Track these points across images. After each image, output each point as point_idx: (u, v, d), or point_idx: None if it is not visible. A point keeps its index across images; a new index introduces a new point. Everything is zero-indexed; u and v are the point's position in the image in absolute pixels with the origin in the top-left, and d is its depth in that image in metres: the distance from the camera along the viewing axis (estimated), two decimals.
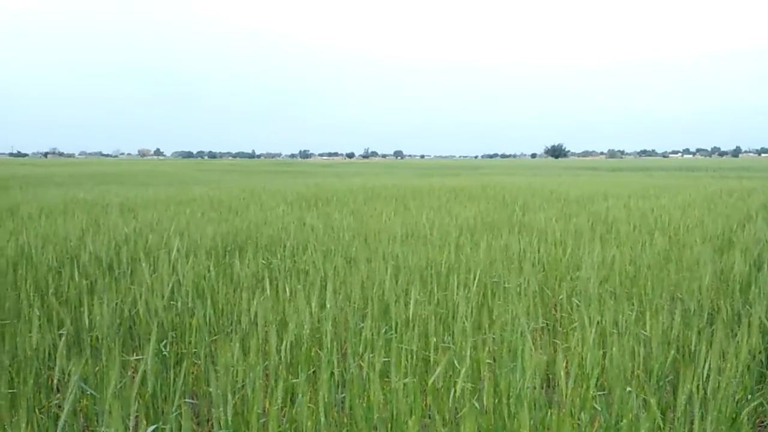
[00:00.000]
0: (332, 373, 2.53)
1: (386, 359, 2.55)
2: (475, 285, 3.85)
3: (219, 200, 11.28)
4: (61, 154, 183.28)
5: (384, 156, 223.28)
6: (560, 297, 4.25)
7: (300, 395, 2.34)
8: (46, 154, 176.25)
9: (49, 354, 2.82)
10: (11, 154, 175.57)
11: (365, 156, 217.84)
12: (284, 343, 2.59)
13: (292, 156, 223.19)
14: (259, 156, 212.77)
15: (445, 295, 3.80)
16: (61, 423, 1.91)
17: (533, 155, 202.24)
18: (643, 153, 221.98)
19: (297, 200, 11.66)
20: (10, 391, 2.29)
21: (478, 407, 2.41)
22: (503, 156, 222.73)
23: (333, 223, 7.36)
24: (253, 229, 6.78)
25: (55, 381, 2.51)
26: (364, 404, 2.31)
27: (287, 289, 3.93)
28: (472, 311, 3.38)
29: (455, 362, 2.81)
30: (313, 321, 3.13)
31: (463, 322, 3.07)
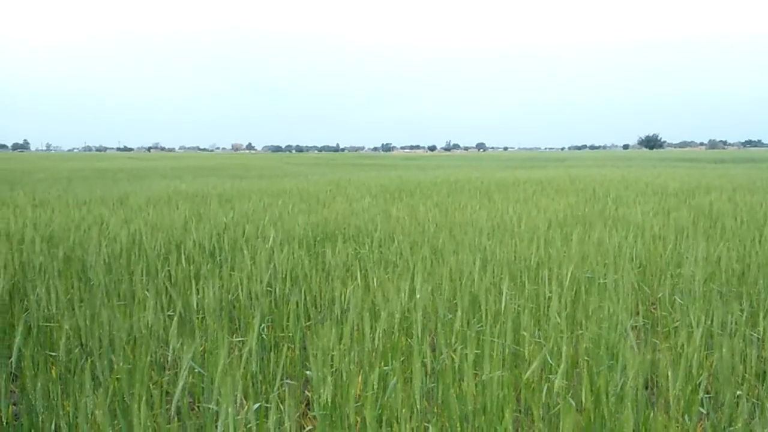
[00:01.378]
0: (423, 363, 2.56)
1: (476, 351, 2.55)
2: (568, 280, 3.74)
3: (307, 192, 11.63)
4: (162, 149, 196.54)
5: (466, 148, 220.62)
6: (659, 295, 4.04)
7: (393, 382, 2.39)
8: (149, 149, 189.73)
9: (160, 334, 3.05)
10: (118, 149, 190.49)
11: (447, 149, 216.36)
12: (377, 331, 2.64)
13: (375, 149, 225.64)
14: (343, 149, 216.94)
15: (535, 290, 3.72)
16: (175, 398, 2.06)
17: (625, 146, 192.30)
18: (749, 143, 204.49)
19: (381, 192, 11.79)
20: (127, 366, 2.50)
21: (573, 404, 2.35)
22: (592, 147, 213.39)
23: (418, 215, 7.39)
24: (340, 220, 6.94)
25: (170, 358, 2.70)
26: (457, 395, 2.32)
27: (375, 279, 4.00)
28: (565, 306, 3.29)
29: (548, 357, 2.75)
30: (403, 310, 3.17)
31: (557, 318, 3.00)
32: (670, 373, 2.16)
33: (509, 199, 9.78)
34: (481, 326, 3.10)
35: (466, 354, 2.34)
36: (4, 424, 2.58)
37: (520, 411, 2.59)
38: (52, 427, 2.34)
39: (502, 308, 3.15)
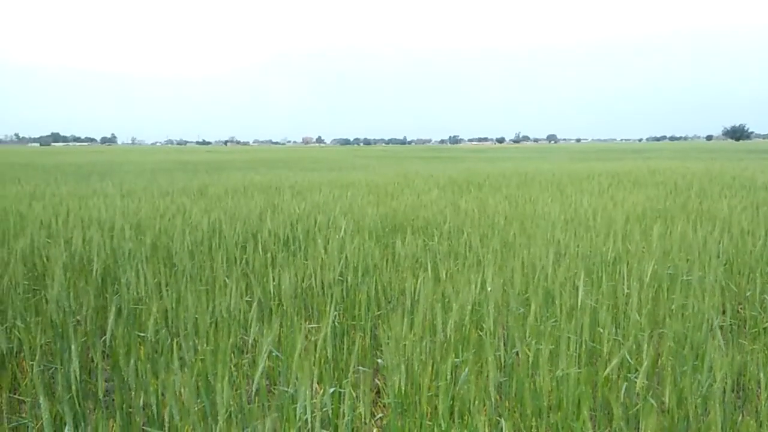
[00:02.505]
0: (495, 356, 2.54)
1: (551, 347, 2.49)
2: (648, 276, 3.58)
3: (375, 184, 11.73)
4: (238, 142, 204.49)
5: (536, 140, 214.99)
6: (748, 293, 3.80)
7: (465, 373, 2.38)
8: (226, 142, 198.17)
9: (240, 318, 3.17)
10: (198, 143, 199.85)
11: (516, 141, 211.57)
12: (450, 322, 2.64)
13: (442, 142, 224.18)
14: (409, 142, 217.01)
15: (612, 286, 3.59)
16: (256, 380, 2.15)
17: (709, 137, 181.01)
18: None
19: (449, 185, 11.72)
20: (211, 348, 2.62)
21: (653, 404, 2.26)
22: (672, 138, 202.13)
23: (487, 208, 7.30)
24: (409, 212, 6.96)
25: (249, 342, 2.82)
26: (531, 390, 2.29)
27: (445, 271, 4.00)
28: (646, 303, 3.16)
29: (626, 356, 2.66)
30: (474, 303, 3.15)
31: (636, 315, 2.89)
32: (762, 376, 2.03)
33: (583, 191, 9.46)
34: (555, 321, 3.03)
35: (540, 349, 2.30)
36: (100, 398, 2.79)
37: (596, 409, 2.52)
38: (140, 402, 2.49)
39: (578, 304, 3.06)
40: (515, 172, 15.51)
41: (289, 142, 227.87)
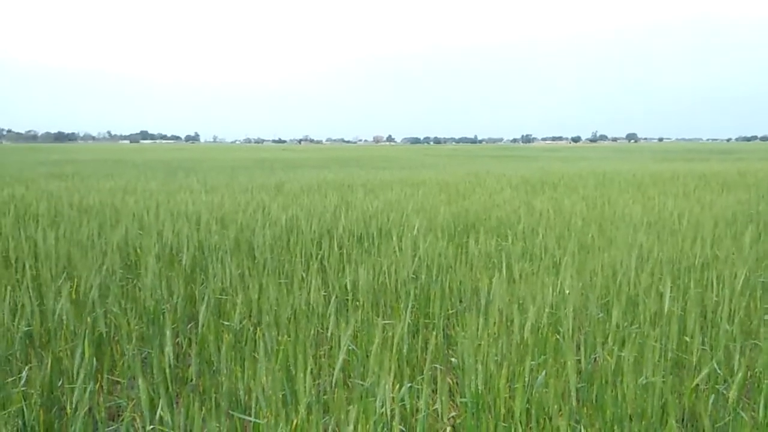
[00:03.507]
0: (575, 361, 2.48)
1: (635, 354, 2.41)
2: (740, 284, 3.38)
3: (446, 183, 11.68)
4: (311, 141, 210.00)
5: (614, 139, 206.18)
6: None
7: (542, 376, 2.35)
8: (300, 141, 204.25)
9: (318, 311, 3.27)
10: (274, 141, 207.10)
11: (593, 140, 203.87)
12: (527, 324, 2.61)
13: (514, 141, 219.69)
14: (480, 141, 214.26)
15: (700, 293, 3.41)
16: (336, 371, 2.21)
17: None
18: None
19: (522, 184, 11.50)
20: (291, 339, 2.72)
21: (745, 418, 2.14)
22: (764, 139, 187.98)
23: (562, 209, 7.10)
24: (481, 211, 6.90)
25: (328, 335, 2.90)
26: (613, 397, 2.22)
27: (519, 272, 3.94)
28: (737, 312, 2.98)
29: (715, 366, 2.52)
30: (551, 305, 3.09)
31: (727, 324, 2.73)
32: None
33: (667, 193, 9.02)
34: (638, 328, 2.92)
35: (622, 356, 2.23)
36: (189, 381, 2.96)
37: (682, 420, 2.41)
38: (224, 388, 2.62)
39: (663, 310, 2.94)
40: (592, 172, 14.99)
41: (360, 140, 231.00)
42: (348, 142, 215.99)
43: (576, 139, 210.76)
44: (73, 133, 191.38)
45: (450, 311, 3.58)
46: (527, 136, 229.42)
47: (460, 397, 2.48)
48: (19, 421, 2.25)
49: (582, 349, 2.51)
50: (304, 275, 3.73)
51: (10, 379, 2.43)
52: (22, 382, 2.40)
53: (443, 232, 5.28)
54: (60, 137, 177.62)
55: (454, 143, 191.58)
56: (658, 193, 8.98)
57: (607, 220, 6.17)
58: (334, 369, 2.99)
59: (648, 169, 16.33)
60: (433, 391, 2.51)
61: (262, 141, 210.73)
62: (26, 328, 2.77)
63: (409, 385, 2.26)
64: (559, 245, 4.79)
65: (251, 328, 2.99)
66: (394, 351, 2.46)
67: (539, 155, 41.29)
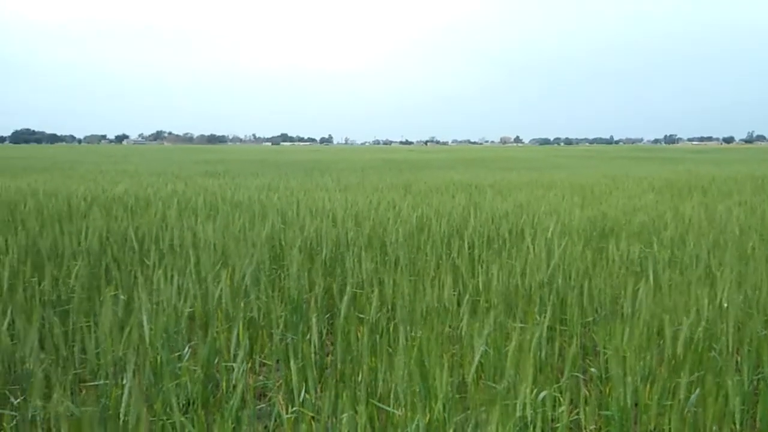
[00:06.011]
0: (736, 380, 2.25)
1: None
2: None
3: (579, 185, 11.16)
4: (437, 142, 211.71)
5: None
6: None
7: (695, 395, 2.17)
8: (426, 142, 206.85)
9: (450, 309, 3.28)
10: (401, 142, 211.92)
11: (748, 140, 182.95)
12: (681, 337, 2.41)
13: (655, 141, 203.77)
14: (617, 142, 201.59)
15: None
16: (472, 371, 2.21)
17: None
18: None
19: (666, 188, 10.67)
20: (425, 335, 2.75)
21: None
22: None
23: (715, 215, 6.47)
24: (620, 215, 6.51)
25: (462, 333, 2.91)
26: None
27: (666, 281, 3.65)
28: None
29: None
30: (707, 319, 2.83)
31: None
32: None
33: None
34: None
35: None
36: (326, 368, 3.12)
37: None
38: (359, 378, 2.72)
39: None
40: (749, 175, 13.48)
41: (487, 141, 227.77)
42: (474, 143, 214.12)
43: (728, 140, 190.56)
44: (223, 136, 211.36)
45: (588, 319, 3.41)
46: (671, 136, 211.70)
47: (600, 410, 2.36)
48: (183, 394, 2.51)
49: (745, 368, 2.27)
50: (434, 273, 3.77)
51: (174, 354, 2.72)
52: (186, 358, 2.68)
53: (579, 236, 5.05)
54: (212, 139, 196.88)
55: (587, 144, 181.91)
56: None
57: None
58: (465, 368, 3.00)
59: None
60: (570, 400, 2.42)
61: (390, 142, 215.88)
62: (189, 309, 3.08)
63: (545, 392, 2.19)
64: (713, 254, 4.37)
65: (385, 322, 3.08)
66: (531, 355, 2.40)
67: (684, 157, 37.95)
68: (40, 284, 3.41)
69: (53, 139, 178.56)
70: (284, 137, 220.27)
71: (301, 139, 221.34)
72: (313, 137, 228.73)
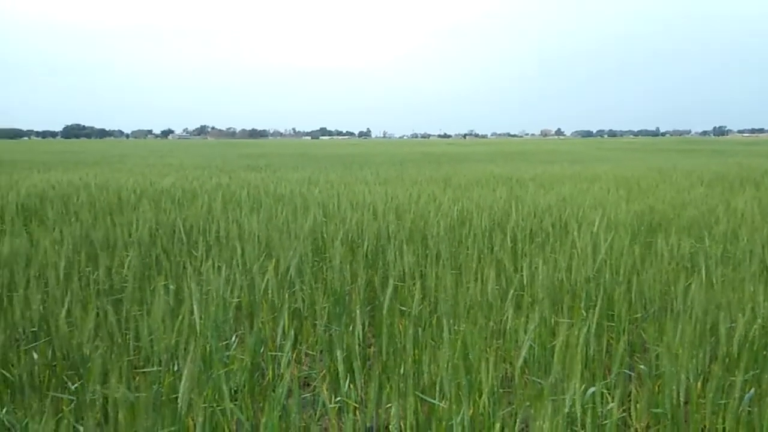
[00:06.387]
0: None
1: None
2: None
3: (624, 178, 10.88)
4: (476, 135, 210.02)
5: None
6: None
7: (750, 394, 2.09)
8: (465, 135, 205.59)
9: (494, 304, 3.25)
10: (439, 135, 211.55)
11: None
12: (735, 335, 2.33)
13: (704, 133, 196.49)
14: (663, 134, 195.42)
15: None
16: (518, 365, 2.19)
17: None
18: None
19: (716, 181, 10.30)
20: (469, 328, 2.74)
21: None
22: None
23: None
24: (668, 209, 6.32)
25: (507, 328, 2.89)
26: None
27: (719, 277, 3.53)
28: None
29: None
30: (763, 317, 2.72)
31: None
32: None
33: None
34: None
35: None
36: (368, 359, 3.14)
37: None
38: (402, 370, 2.73)
39: None
40: None
41: (527, 134, 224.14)
42: (514, 136, 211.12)
43: None
44: (264, 130, 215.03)
45: (636, 315, 3.33)
46: (720, 128, 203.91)
47: (649, 407, 2.30)
48: (231, 382, 2.57)
49: None
50: (476, 267, 3.74)
51: (222, 343, 2.79)
52: (233, 347, 2.74)
53: (626, 231, 4.92)
54: (254, 134, 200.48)
55: (632, 136, 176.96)
56: None
57: None
58: (509, 362, 2.97)
59: None
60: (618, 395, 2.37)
61: (428, 136, 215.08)
62: (236, 300, 3.15)
63: (593, 388, 2.15)
64: (767, 250, 4.20)
65: (427, 315, 3.08)
66: (578, 351, 2.36)
67: (735, 149, 36.47)
68: (94, 274, 3.54)
69: (102, 133, 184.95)
70: (323, 131, 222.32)
71: (339, 133, 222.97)
72: (351, 131, 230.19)
